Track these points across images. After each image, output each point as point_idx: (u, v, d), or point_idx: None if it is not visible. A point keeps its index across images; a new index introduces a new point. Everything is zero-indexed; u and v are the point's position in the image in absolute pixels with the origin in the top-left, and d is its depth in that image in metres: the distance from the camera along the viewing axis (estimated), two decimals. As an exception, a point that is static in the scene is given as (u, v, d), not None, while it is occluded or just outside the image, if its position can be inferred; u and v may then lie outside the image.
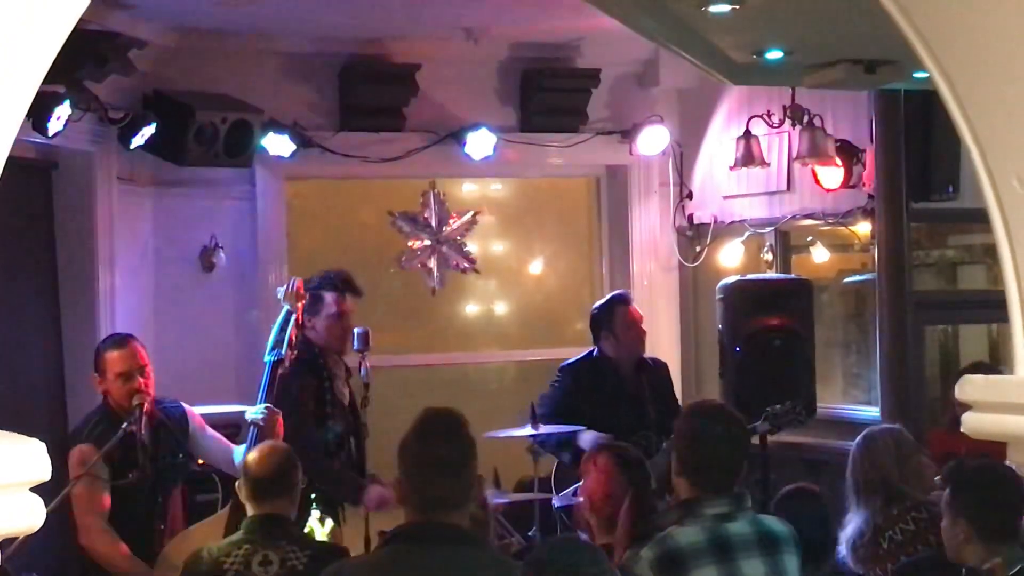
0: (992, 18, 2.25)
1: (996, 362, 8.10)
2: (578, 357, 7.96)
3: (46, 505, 1.71)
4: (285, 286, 6.58)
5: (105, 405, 6.17)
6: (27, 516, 1.64)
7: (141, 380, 6.09)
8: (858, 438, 5.91)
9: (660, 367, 8.07)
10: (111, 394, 6.12)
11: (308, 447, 6.51)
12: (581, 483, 5.45)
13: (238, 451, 6.28)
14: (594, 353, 7.89)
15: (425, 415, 3.86)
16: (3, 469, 1.61)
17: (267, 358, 6.48)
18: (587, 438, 7.35)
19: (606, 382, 7.75)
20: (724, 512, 4.24)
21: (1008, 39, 2.24)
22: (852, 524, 5.74)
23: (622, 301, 7.96)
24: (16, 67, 1.65)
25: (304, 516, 6.17)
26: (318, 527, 6.44)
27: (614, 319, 7.82)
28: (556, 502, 7.29)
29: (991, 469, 4.54)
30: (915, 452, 5.82)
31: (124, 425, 5.90)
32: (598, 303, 8.13)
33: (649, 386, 7.81)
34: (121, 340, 6.32)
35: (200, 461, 6.71)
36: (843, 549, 5.73)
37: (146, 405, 6.02)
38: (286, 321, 6.48)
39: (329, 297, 6.99)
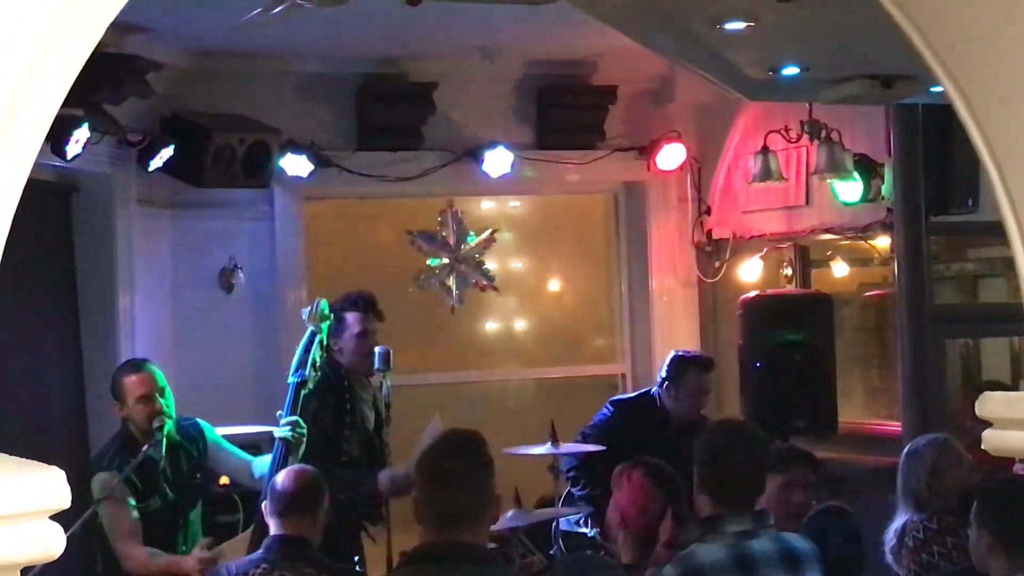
0: (1006, 33, 2.25)
1: (1018, 375, 8.08)
2: (632, 394, 7.93)
3: (67, 532, 1.71)
4: (310, 307, 6.60)
5: (125, 431, 6.19)
6: (46, 544, 1.64)
7: (161, 402, 6.11)
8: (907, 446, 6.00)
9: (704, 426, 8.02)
10: (132, 419, 6.14)
11: (322, 460, 6.53)
12: (612, 499, 5.39)
13: (257, 463, 6.30)
14: (651, 392, 7.84)
15: (445, 434, 3.88)
16: (22, 497, 1.61)
17: (291, 379, 6.50)
18: None
19: (651, 425, 7.65)
20: (746, 529, 4.24)
21: (1022, 54, 2.23)
22: (889, 528, 5.84)
23: (700, 366, 7.85)
24: (36, 91, 1.66)
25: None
26: None
27: (684, 380, 7.75)
28: (562, 524, 7.27)
29: (1016, 483, 4.56)
30: (955, 463, 5.83)
31: (144, 448, 5.93)
32: (681, 352, 8.06)
33: (688, 443, 7.74)
34: (137, 364, 6.36)
35: (222, 480, 6.73)
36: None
37: (165, 427, 6.05)
38: (310, 342, 6.49)
39: (351, 318, 7.01)
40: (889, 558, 5.81)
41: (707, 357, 8.20)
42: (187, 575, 5.89)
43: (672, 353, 8.04)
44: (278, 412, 6.38)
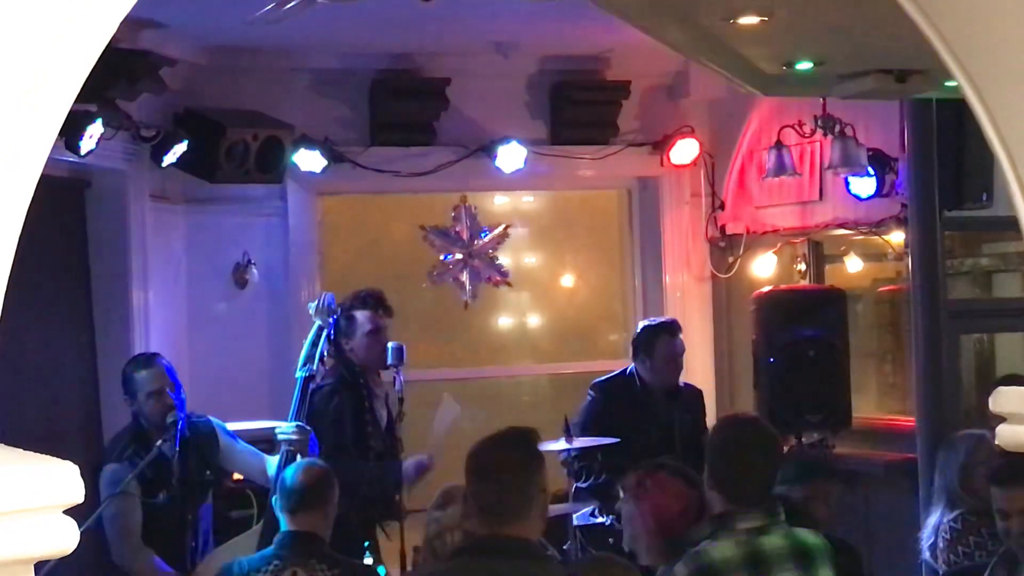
0: (1020, 28, 2.24)
1: (1033, 370, 8.05)
2: (611, 374, 7.93)
3: (79, 525, 1.72)
4: (316, 301, 6.61)
5: (135, 425, 6.19)
6: (60, 539, 1.65)
7: (172, 397, 6.12)
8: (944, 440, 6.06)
9: (694, 394, 8.02)
10: (143, 414, 6.14)
11: (347, 461, 6.56)
12: (635, 506, 5.24)
13: (271, 461, 6.30)
14: (628, 371, 7.86)
15: (501, 430, 3.87)
16: (37, 492, 1.62)
17: (298, 374, 6.51)
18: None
19: (636, 402, 7.70)
20: (757, 526, 4.23)
21: (1038, 49, 2.23)
22: (927, 524, 5.88)
23: (668, 331, 7.85)
24: (48, 87, 1.66)
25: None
26: None
27: (655, 347, 7.75)
28: (576, 520, 7.27)
29: None
30: (985, 460, 5.84)
31: (158, 443, 5.93)
32: (647, 322, 8.07)
33: (680, 412, 7.76)
34: (148, 359, 6.36)
35: (235, 476, 6.73)
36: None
37: (178, 421, 6.05)
38: (317, 336, 6.50)
39: (362, 316, 7.03)
40: (926, 555, 5.82)
41: (673, 320, 8.19)
42: None
43: (640, 324, 8.05)
44: (280, 427, 6.39)
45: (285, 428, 6.35)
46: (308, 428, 6.35)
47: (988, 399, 2.40)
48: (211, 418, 6.43)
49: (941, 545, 5.70)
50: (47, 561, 1.70)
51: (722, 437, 4.50)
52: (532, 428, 3.84)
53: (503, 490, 3.69)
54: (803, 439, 7.94)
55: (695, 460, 4.94)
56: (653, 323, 8.04)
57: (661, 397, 7.75)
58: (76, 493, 1.65)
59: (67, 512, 1.67)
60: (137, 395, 6.14)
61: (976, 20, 2.33)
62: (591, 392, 7.85)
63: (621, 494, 5.09)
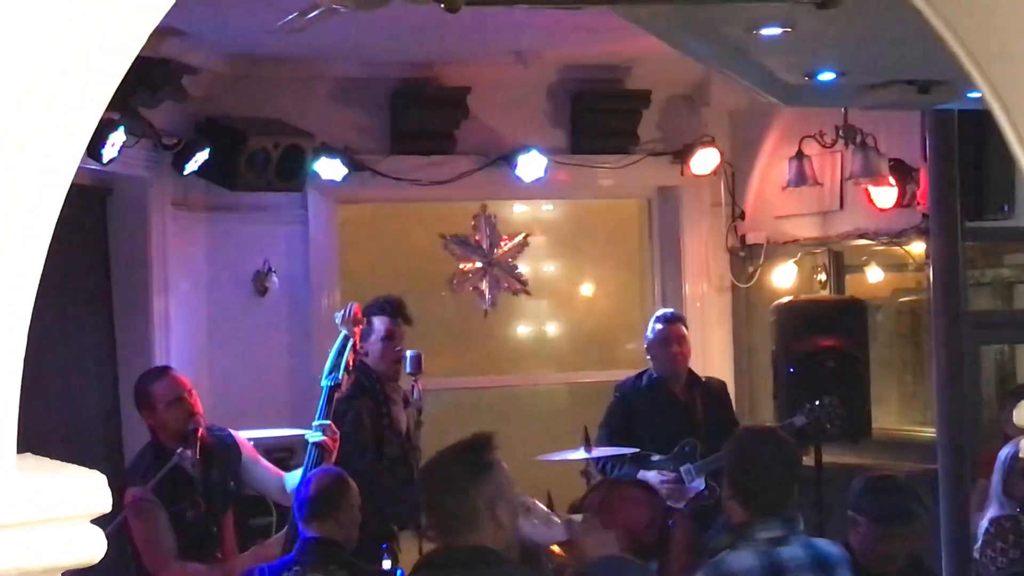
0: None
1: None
2: (631, 376, 7.97)
3: (106, 530, 1.72)
4: (343, 311, 6.62)
5: (154, 440, 6.16)
6: (89, 548, 1.65)
7: (191, 402, 6.10)
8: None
9: (716, 386, 8.03)
10: (165, 425, 6.10)
11: (365, 469, 6.57)
12: (597, 518, 5.23)
13: (289, 478, 6.30)
14: (647, 371, 7.90)
15: (456, 441, 3.86)
16: (66, 501, 1.62)
17: (324, 382, 6.51)
18: (650, 476, 7.36)
19: (656, 399, 7.73)
20: (777, 536, 4.22)
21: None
22: (980, 524, 5.96)
23: (661, 320, 7.90)
24: (78, 101, 1.67)
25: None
26: None
27: (654, 336, 7.82)
28: None
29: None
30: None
31: (179, 450, 5.92)
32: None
33: (703, 404, 7.77)
34: (160, 371, 6.35)
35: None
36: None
37: (200, 429, 6.04)
38: (343, 346, 6.51)
39: (378, 322, 7.05)
40: (976, 555, 5.89)
41: (672, 311, 8.23)
42: None
43: None
44: (313, 423, 6.38)
45: (314, 429, 6.33)
46: (336, 429, 6.33)
47: (1006, 411, 2.40)
48: (232, 432, 6.41)
49: (979, 544, 5.78)
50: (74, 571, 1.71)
51: (740, 448, 4.50)
52: (489, 434, 3.78)
53: (450, 502, 3.67)
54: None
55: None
56: (655, 314, 8.08)
57: (680, 389, 7.77)
58: (103, 502, 1.66)
59: (93, 521, 1.68)
60: (157, 406, 6.09)
61: (999, 31, 2.33)
62: (615, 393, 7.91)
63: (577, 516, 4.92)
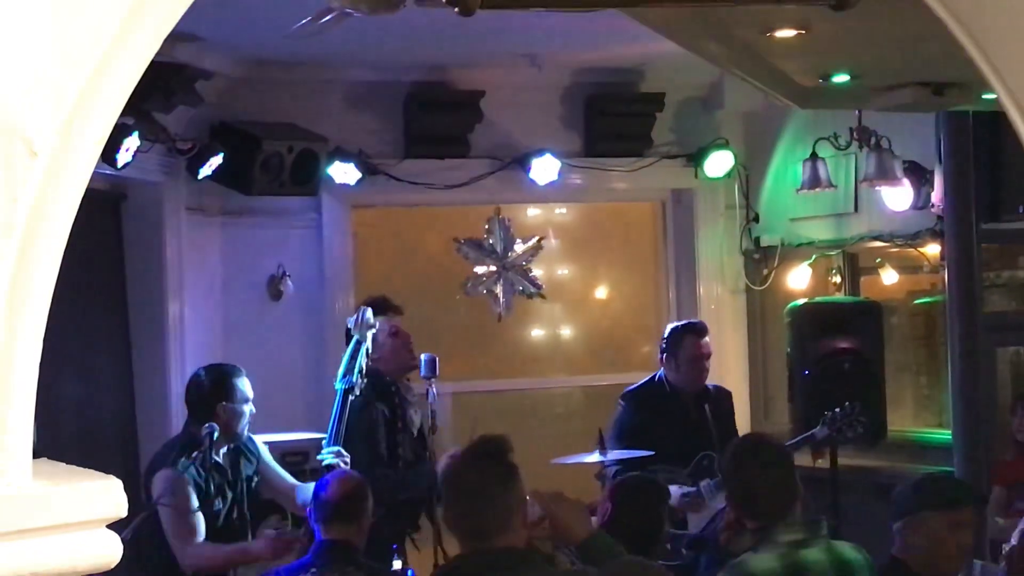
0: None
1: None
2: (640, 383, 7.91)
3: (120, 535, 1.73)
4: (355, 316, 6.63)
5: (186, 434, 6.20)
6: (105, 553, 1.66)
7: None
8: None
9: (723, 396, 7.98)
10: (234, 418, 6.14)
11: (380, 468, 6.59)
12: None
13: (302, 489, 6.30)
14: (656, 377, 7.84)
15: (470, 443, 3.87)
16: (83, 507, 1.63)
17: (338, 385, 6.54)
18: (672, 490, 7.33)
19: (667, 407, 7.68)
20: (798, 539, 4.21)
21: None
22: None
23: (694, 331, 7.81)
24: (94, 107, 1.68)
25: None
26: None
27: (681, 348, 7.72)
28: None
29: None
30: None
31: (205, 433, 5.93)
32: (673, 325, 8.06)
33: (712, 414, 7.73)
34: (238, 368, 6.40)
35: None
36: None
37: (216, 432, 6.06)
38: (356, 350, 6.52)
39: (379, 323, 7.05)
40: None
41: (699, 321, 8.17)
42: (258, 559, 5.89)
43: (667, 327, 8.04)
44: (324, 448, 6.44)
45: (327, 452, 6.40)
46: (346, 453, 6.39)
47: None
48: (252, 436, 6.44)
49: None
50: None
51: (731, 460, 4.53)
52: (504, 436, 3.80)
53: (485, 508, 3.67)
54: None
55: None
56: (680, 324, 8.02)
57: (690, 398, 7.72)
58: (119, 507, 1.66)
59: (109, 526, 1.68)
60: (236, 402, 6.16)
61: (1015, 32, 2.33)
62: (621, 402, 7.83)
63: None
